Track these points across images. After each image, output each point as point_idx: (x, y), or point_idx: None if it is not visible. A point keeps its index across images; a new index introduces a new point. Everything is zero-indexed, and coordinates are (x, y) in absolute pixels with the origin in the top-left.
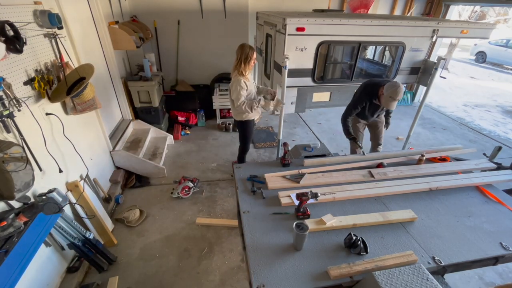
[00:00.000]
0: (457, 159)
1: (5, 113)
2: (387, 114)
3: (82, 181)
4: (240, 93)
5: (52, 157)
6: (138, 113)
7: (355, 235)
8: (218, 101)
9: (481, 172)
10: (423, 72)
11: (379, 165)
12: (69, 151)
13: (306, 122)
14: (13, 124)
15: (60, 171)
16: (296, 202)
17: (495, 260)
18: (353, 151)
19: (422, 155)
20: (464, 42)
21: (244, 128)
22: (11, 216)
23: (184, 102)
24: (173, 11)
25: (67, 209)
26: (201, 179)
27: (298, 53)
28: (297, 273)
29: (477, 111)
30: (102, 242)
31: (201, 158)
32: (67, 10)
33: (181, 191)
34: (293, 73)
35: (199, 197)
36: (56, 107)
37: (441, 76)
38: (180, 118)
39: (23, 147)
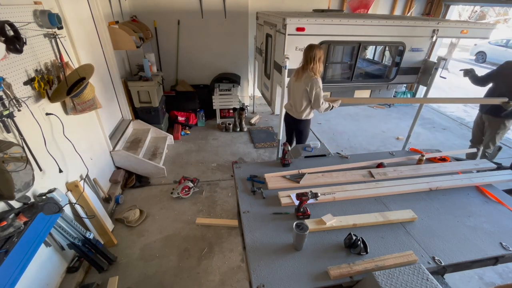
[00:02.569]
0: (457, 159)
1: (5, 113)
2: None
3: (82, 181)
4: (321, 93)
5: (52, 157)
6: (138, 113)
7: (355, 235)
8: (218, 101)
9: (481, 172)
10: (423, 72)
11: (379, 165)
12: (69, 151)
13: None
14: (13, 124)
15: (60, 171)
16: (296, 202)
17: (495, 260)
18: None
19: (422, 155)
20: (464, 42)
21: (306, 126)
22: (11, 216)
23: (184, 102)
24: (173, 11)
25: (67, 209)
26: (201, 179)
27: (298, 53)
28: (297, 273)
29: (477, 111)
30: (102, 242)
31: (201, 158)
32: (67, 10)
33: (181, 191)
34: None
35: (199, 197)
36: (56, 107)
37: (441, 76)
38: (180, 118)
39: (23, 147)
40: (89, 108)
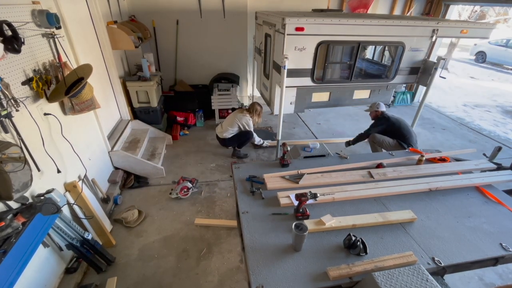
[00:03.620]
0: (457, 160)
1: (3, 113)
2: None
3: (81, 181)
4: (250, 125)
5: (50, 157)
6: (137, 113)
7: (354, 236)
8: (217, 101)
9: (481, 173)
10: (422, 72)
11: (379, 166)
12: (67, 152)
13: (305, 122)
14: (11, 124)
15: (58, 171)
16: (295, 203)
17: (495, 261)
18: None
19: (422, 156)
20: (464, 42)
21: (231, 140)
22: (9, 216)
23: (182, 102)
24: (171, 11)
25: (65, 209)
26: (200, 179)
27: (297, 53)
28: (296, 274)
29: (477, 111)
30: (101, 243)
31: (200, 158)
32: (65, 10)
33: (179, 192)
34: (292, 73)
35: (198, 197)
36: (54, 107)
37: (440, 76)
38: (178, 118)
39: (21, 148)
40: (88, 108)
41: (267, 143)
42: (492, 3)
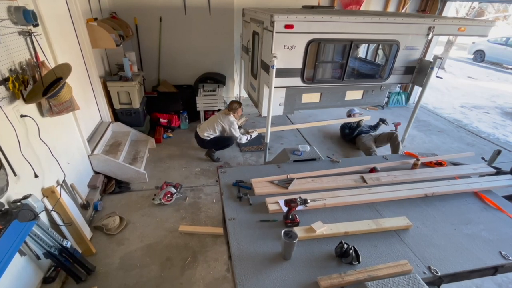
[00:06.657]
0: (454, 164)
1: None
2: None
3: (59, 186)
4: (235, 127)
5: (27, 161)
6: (118, 115)
7: (346, 244)
8: (202, 102)
9: (480, 177)
10: (418, 72)
11: (372, 170)
12: (45, 155)
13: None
14: None
15: (36, 176)
16: (285, 209)
17: (494, 270)
18: None
19: (418, 159)
20: (462, 40)
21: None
22: None
23: (166, 104)
24: (154, 8)
25: (43, 216)
26: (184, 184)
27: (287, 52)
28: (285, 284)
29: (475, 112)
30: (80, 251)
31: (184, 162)
32: (43, 6)
33: (163, 197)
34: (282, 72)
35: (182, 203)
36: (31, 109)
37: (437, 76)
38: (162, 120)
39: None
40: (66, 109)
41: (255, 133)
42: None
